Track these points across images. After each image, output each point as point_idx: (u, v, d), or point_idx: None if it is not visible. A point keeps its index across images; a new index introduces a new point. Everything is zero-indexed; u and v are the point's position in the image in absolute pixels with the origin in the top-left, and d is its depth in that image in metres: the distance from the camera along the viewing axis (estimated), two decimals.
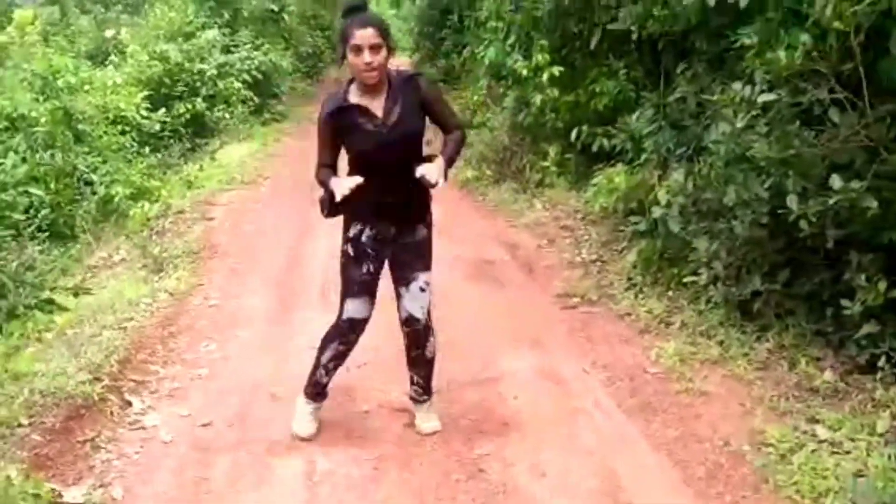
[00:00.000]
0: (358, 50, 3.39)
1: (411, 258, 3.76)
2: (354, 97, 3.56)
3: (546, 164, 8.20)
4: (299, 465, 3.69)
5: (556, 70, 7.73)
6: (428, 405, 4.01)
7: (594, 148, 7.31)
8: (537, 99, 7.95)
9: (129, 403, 4.37)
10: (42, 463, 3.67)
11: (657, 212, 5.23)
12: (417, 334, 3.86)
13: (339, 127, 3.57)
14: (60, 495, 3.42)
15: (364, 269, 3.70)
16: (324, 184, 3.63)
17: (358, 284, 3.73)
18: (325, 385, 3.96)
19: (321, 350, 3.89)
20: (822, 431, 3.61)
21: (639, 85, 7.14)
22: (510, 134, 9.29)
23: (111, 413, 4.24)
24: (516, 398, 4.19)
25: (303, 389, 3.99)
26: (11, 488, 3.17)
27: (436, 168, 3.44)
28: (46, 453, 3.76)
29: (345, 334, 3.81)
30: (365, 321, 3.79)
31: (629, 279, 5.55)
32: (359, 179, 3.46)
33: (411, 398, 4.03)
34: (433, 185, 3.43)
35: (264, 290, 6.28)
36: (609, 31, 6.97)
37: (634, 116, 6.35)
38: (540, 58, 7.82)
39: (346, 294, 3.77)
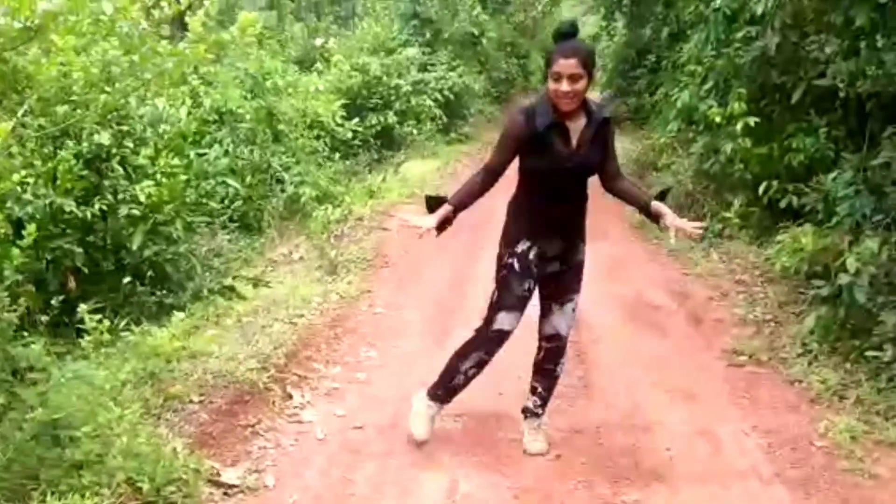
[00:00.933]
0: (558, 77, 3.45)
1: (570, 279, 3.88)
2: (556, 116, 3.58)
3: (728, 215, 7.93)
4: (442, 483, 3.73)
5: (752, 120, 7.49)
6: (539, 423, 4.08)
7: (782, 204, 7.03)
8: (728, 148, 7.72)
9: (290, 396, 4.57)
10: (206, 441, 3.90)
11: (844, 279, 4.95)
12: (558, 350, 3.98)
13: (536, 141, 3.58)
14: (218, 474, 3.62)
15: (525, 286, 3.80)
16: (457, 194, 3.76)
17: (516, 299, 3.81)
18: (455, 393, 4.04)
19: (462, 357, 3.96)
20: None
21: (839, 145, 6.81)
22: (694, 180, 9.05)
23: (273, 403, 4.44)
24: (669, 450, 4.06)
25: (427, 390, 4.08)
26: (176, 460, 3.37)
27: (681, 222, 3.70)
28: (211, 432, 3.99)
29: (491, 345, 3.89)
30: (510, 333, 3.87)
31: (804, 345, 5.25)
32: (430, 227, 3.73)
33: (526, 410, 4.09)
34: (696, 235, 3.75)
35: (427, 305, 6.41)
36: (814, 86, 6.70)
37: (831, 177, 6.04)
38: (736, 106, 7.60)
39: (500, 306, 3.83)
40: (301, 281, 6.73)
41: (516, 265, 3.78)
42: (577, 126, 3.61)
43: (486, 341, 3.89)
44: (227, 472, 3.66)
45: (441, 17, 16.92)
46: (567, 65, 3.43)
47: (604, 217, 9.35)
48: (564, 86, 3.44)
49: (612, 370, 5.12)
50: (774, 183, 7.15)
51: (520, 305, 3.83)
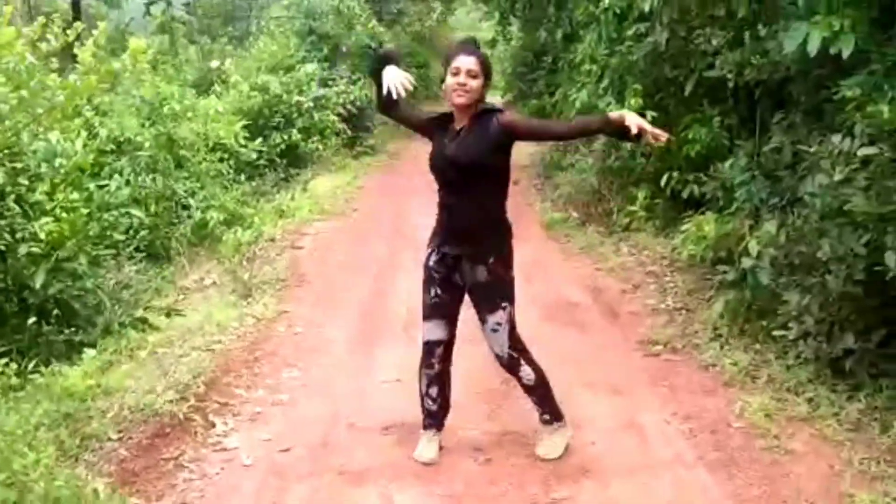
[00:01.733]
0: (457, 72, 3.64)
1: (478, 298, 3.86)
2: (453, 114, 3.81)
3: (634, 208, 8.14)
4: (374, 498, 3.72)
5: (649, 115, 7.66)
6: (553, 429, 4.07)
7: (684, 194, 7.24)
8: (627, 143, 7.90)
9: (213, 424, 4.48)
10: (128, 478, 3.80)
11: (747, 262, 5.13)
12: (508, 369, 4.01)
13: (433, 126, 3.87)
14: None
15: (432, 293, 3.89)
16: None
17: (430, 308, 3.92)
18: (437, 413, 4.08)
19: (419, 379, 4.07)
20: None
21: (732, 133, 7.05)
22: (599, 177, 9.25)
23: (195, 433, 4.35)
24: (594, 444, 4.13)
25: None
26: (97, 502, 3.27)
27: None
28: (132, 468, 3.90)
29: (426, 357, 3.98)
30: (440, 343, 3.93)
31: (715, 329, 5.43)
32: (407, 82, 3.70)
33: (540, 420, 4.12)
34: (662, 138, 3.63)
35: (347, 320, 6.37)
36: (705, 77, 6.91)
37: (727, 164, 6.26)
38: (633, 101, 7.78)
39: (423, 317, 3.98)
40: (215, 307, 6.60)
41: (424, 274, 3.92)
42: (461, 124, 3.76)
43: (423, 355, 4.00)
44: None
45: (337, 31, 16.86)
46: (467, 61, 3.65)
47: (516, 220, 9.48)
48: (462, 78, 3.62)
49: None
50: (675, 174, 7.36)
51: (436, 313, 3.91)
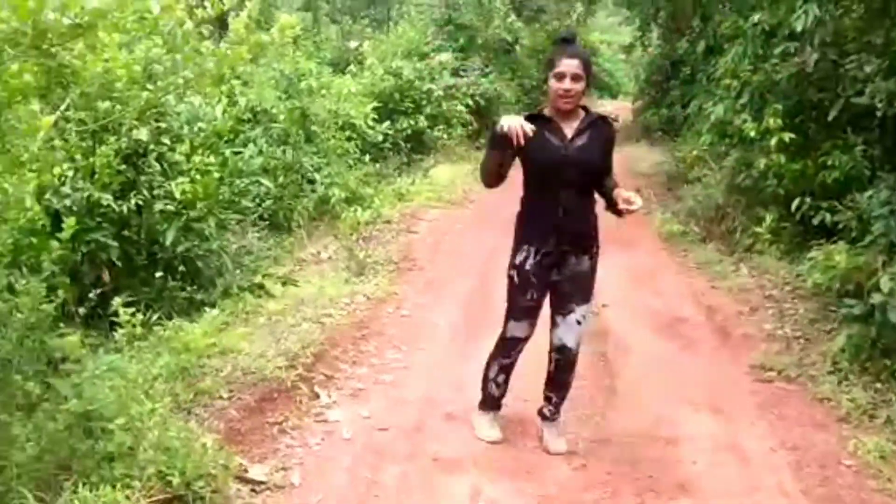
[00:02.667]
0: (561, 77, 3.66)
1: (572, 289, 3.90)
2: (548, 113, 3.79)
3: (760, 230, 7.87)
4: (465, 488, 3.74)
5: (787, 136, 7.44)
6: (558, 425, 4.19)
7: (815, 221, 6.95)
8: (761, 162, 7.67)
9: (317, 395, 4.61)
10: (234, 437, 3.95)
11: (877, 298, 4.90)
12: (567, 363, 4.05)
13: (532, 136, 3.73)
14: (246, 470, 3.65)
15: (528, 296, 3.90)
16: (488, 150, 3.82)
17: (521, 310, 3.94)
18: (499, 398, 4.24)
19: (488, 365, 4.17)
20: None
21: (875, 163, 6.74)
22: (725, 194, 8.99)
23: (300, 401, 4.48)
24: (695, 463, 4.04)
25: (477, 405, 4.29)
26: (205, 456, 3.40)
27: (634, 194, 3.64)
28: (239, 429, 4.04)
29: (507, 350, 4.07)
30: (525, 339, 4.02)
31: (834, 363, 5.20)
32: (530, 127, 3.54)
33: (542, 415, 4.20)
34: (633, 209, 3.62)
35: (454, 309, 6.42)
36: (852, 104, 6.63)
37: (866, 195, 5.98)
38: (771, 121, 7.54)
39: (509, 315, 3.99)
40: (329, 281, 6.77)
41: (515, 278, 3.90)
42: (570, 124, 3.77)
43: (503, 347, 4.08)
44: (254, 469, 3.69)
45: (475, 23, 16.95)
46: (570, 65, 3.65)
47: (631, 228, 9.33)
48: (567, 83, 3.65)
49: (639, 381, 5.10)
50: (808, 199, 7.09)
51: (527, 314, 3.95)
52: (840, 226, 6.41)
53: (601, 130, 3.80)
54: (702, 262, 8.05)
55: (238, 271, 6.32)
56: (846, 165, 6.84)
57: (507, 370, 4.14)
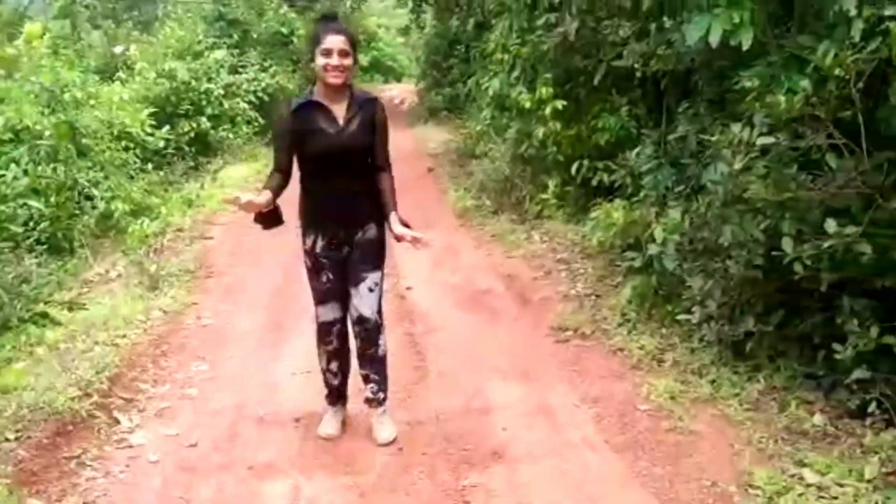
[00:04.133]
0: (328, 53, 3.65)
1: (361, 258, 3.93)
2: (318, 98, 3.77)
3: (546, 196, 8.22)
4: (284, 491, 3.67)
5: (560, 104, 7.78)
6: (383, 410, 4.16)
7: (594, 182, 7.35)
8: (539, 132, 7.99)
9: (117, 421, 4.37)
10: (27, 478, 3.67)
11: (653, 249, 5.23)
12: (368, 333, 4.01)
13: (300, 126, 3.75)
14: None
15: (324, 279, 3.95)
16: (268, 187, 3.79)
17: (321, 292, 3.99)
18: (337, 387, 4.20)
19: (319, 357, 4.16)
20: (810, 475, 3.59)
21: (640, 122, 7.19)
22: (511, 165, 9.31)
23: (98, 430, 4.23)
24: (505, 430, 4.17)
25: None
26: None
27: (411, 230, 3.75)
28: (32, 469, 3.76)
29: (325, 336, 4.07)
30: (336, 322, 4.04)
31: (623, 315, 5.54)
32: (262, 200, 3.65)
33: (367, 400, 4.17)
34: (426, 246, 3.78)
35: (257, 312, 6.27)
36: (613, 67, 7.01)
37: (634, 153, 6.39)
38: (544, 91, 7.87)
39: (315, 301, 4.04)
40: (121, 300, 6.41)
41: (308, 262, 3.97)
42: (340, 107, 3.77)
43: (320, 334, 4.08)
44: None
45: (248, 17, 16.55)
46: (336, 40, 3.64)
47: (429, 207, 9.50)
48: (335, 59, 3.64)
49: (447, 357, 5.20)
50: (585, 162, 7.47)
51: (329, 296, 3.99)
52: (616, 184, 6.80)
53: (371, 110, 3.82)
54: (497, 234, 8.31)
55: (16, 302, 5.85)
56: (615, 126, 7.25)
57: (335, 357, 4.11)
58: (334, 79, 3.67)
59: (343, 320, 4.05)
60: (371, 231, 3.92)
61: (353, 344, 4.12)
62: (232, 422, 4.38)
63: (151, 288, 6.76)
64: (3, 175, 7.63)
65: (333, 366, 4.13)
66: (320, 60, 3.66)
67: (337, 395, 4.22)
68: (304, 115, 3.75)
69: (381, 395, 4.14)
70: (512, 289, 6.59)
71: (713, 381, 4.49)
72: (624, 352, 5.05)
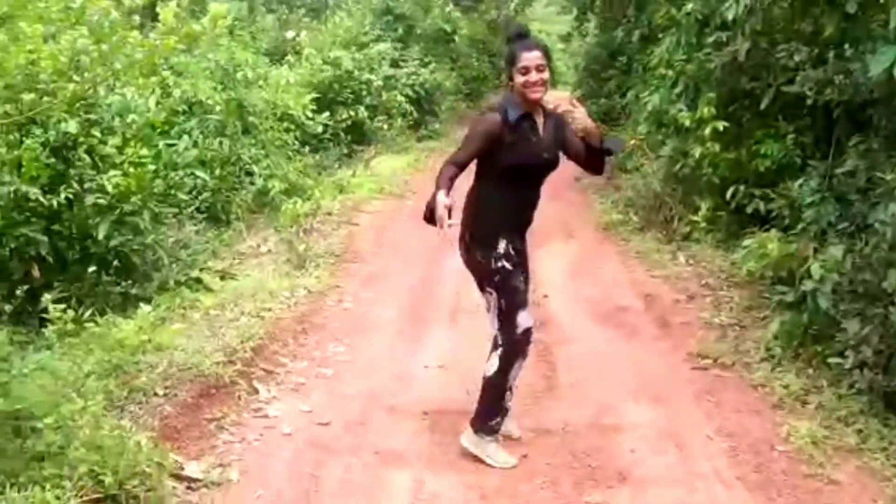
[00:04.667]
0: (526, 70, 3.70)
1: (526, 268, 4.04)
2: (524, 110, 3.80)
3: (696, 218, 8.00)
4: (407, 481, 3.73)
5: (721, 125, 7.55)
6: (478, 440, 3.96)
7: (749, 209, 7.09)
8: (697, 151, 7.78)
9: (256, 390, 4.55)
10: (170, 434, 3.87)
11: (808, 285, 5.01)
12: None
13: (513, 139, 3.75)
14: (182, 468, 3.59)
15: (522, 278, 3.93)
16: (438, 188, 3.69)
17: (522, 293, 3.90)
18: (508, 411, 4.02)
19: (505, 373, 3.86)
20: None
21: (806, 151, 6.88)
22: (663, 183, 9.11)
23: (238, 397, 4.42)
24: (633, 451, 4.08)
25: (475, 429, 3.93)
26: (139, 454, 3.33)
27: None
28: (175, 426, 3.96)
29: (524, 346, 3.88)
30: (533, 330, 3.94)
31: (768, 350, 5.31)
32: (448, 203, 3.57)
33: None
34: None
35: (396, 301, 6.40)
36: (783, 92, 6.75)
37: (797, 183, 6.12)
38: (705, 110, 7.66)
39: (516, 307, 3.84)
40: (269, 274, 6.69)
41: (507, 264, 3.85)
42: (540, 119, 3.86)
43: (521, 345, 3.87)
44: (190, 466, 3.64)
45: (414, 13, 16.90)
46: (532, 57, 3.70)
47: (572, 217, 9.43)
48: (534, 76, 3.69)
49: (579, 370, 5.14)
50: (742, 188, 7.22)
51: (527, 298, 3.95)
52: (773, 213, 6.55)
53: (558, 123, 3.89)
54: (641, 251, 8.15)
55: (174, 265, 6.21)
56: (778, 154, 6.96)
57: (519, 372, 3.97)
58: (535, 94, 3.73)
59: None
60: (527, 241, 4.05)
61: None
62: (363, 406, 4.48)
63: (298, 266, 7.01)
64: (176, 145, 8.08)
65: (515, 385, 3.97)
66: (519, 78, 3.72)
67: (502, 420, 3.98)
68: (518, 126, 3.77)
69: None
70: (652, 309, 6.45)
71: (860, 431, 4.24)
72: (765, 388, 4.84)
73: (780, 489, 3.77)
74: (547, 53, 3.77)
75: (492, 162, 3.80)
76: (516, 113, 3.76)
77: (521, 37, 3.84)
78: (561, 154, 3.92)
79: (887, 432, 4.19)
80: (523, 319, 3.84)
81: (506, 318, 3.84)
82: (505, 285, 3.84)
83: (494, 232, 3.88)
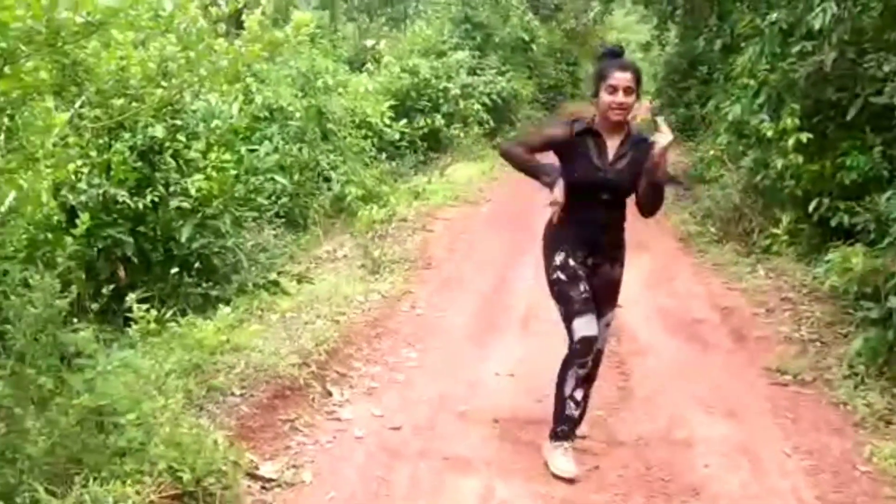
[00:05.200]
0: (614, 90, 3.64)
1: (604, 295, 3.90)
2: (597, 127, 3.77)
3: (777, 231, 7.82)
4: (477, 488, 3.72)
5: (805, 136, 7.37)
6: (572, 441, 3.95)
7: (832, 223, 6.91)
8: (779, 163, 7.62)
9: (330, 393, 4.61)
10: (246, 434, 3.94)
11: (894, 301, 4.85)
12: (596, 363, 3.98)
13: (571, 144, 3.77)
14: (257, 467, 3.66)
15: (582, 288, 3.79)
16: (528, 162, 3.90)
17: (579, 302, 3.78)
18: (577, 421, 3.94)
19: (561, 383, 3.84)
20: None
21: (894, 164, 6.68)
22: (742, 194, 8.93)
23: (312, 399, 4.49)
24: (707, 467, 4.01)
25: (549, 435, 3.91)
26: (216, 452, 3.40)
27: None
28: (251, 425, 4.04)
29: (581, 356, 3.77)
30: (596, 339, 3.79)
31: (851, 367, 5.15)
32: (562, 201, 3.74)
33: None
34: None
35: (469, 308, 6.41)
36: (871, 103, 6.57)
37: (885, 197, 5.93)
38: (789, 121, 7.48)
39: (571, 315, 3.78)
40: (344, 279, 6.78)
41: (562, 275, 3.82)
42: (614, 142, 3.76)
43: (575, 355, 3.79)
44: (265, 466, 3.70)
45: (492, 21, 16.94)
46: (623, 78, 3.63)
47: (648, 228, 9.29)
48: (620, 97, 3.63)
49: (653, 382, 5.08)
50: (826, 200, 7.04)
51: (589, 308, 3.79)
52: (858, 227, 6.36)
53: (642, 153, 3.71)
54: (718, 263, 8.01)
55: (253, 268, 6.33)
56: (865, 166, 6.78)
57: (584, 383, 3.86)
58: (616, 116, 3.67)
59: (598, 342, 3.85)
60: (617, 270, 3.94)
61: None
62: (433, 412, 4.50)
63: (373, 271, 7.09)
64: (257, 150, 8.27)
65: (579, 393, 3.84)
66: (605, 97, 3.66)
67: (571, 429, 3.90)
68: (580, 138, 3.75)
69: (580, 421, 4.02)
70: (728, 322, 6.32)
71: None
72: (847, 406, 4.70)
73: None
74: (638, 77, 3.70)
75: (564, 174, 3.79)
76: (580, 126, 3.76)
77: (616, 55, 3.82)
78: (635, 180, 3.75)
79: None
80: (578, 328, 3.76)
81: (566, 326, 3.83)
82: (560, 295, 3.85)
83: (553, 247, 3.90)
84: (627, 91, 3.63)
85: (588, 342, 3.76)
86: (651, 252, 8.18)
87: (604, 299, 3.91)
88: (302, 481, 3.66)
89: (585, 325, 3.76)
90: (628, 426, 4.45)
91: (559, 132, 3.86)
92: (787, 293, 6.83)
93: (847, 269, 5.61)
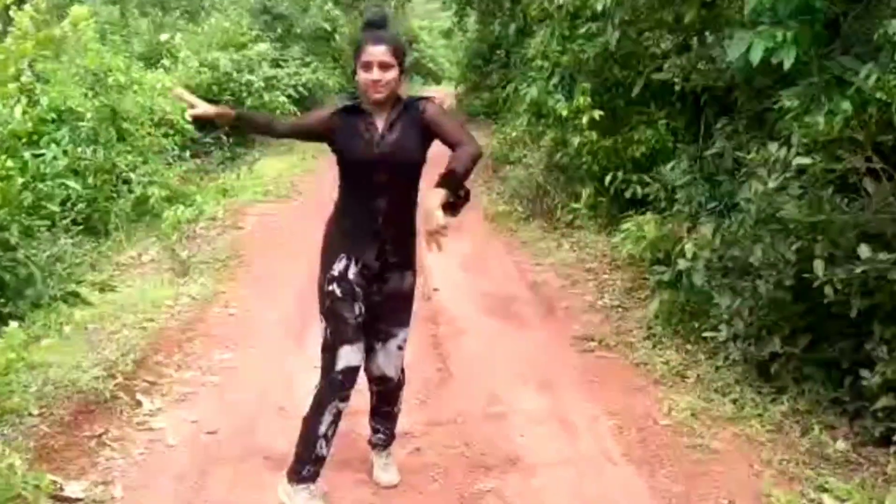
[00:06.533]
0: (368, 66, 3.18)
1: (392, 310, 3.44)
2: (364, 105, 3.30)
3: (578, 205, 8.20)
4: None
5: (597, 114, 7.74)
6: (388, 453, 3.77)
7: (627, 194, 7.32)
8: (575, 141, 7.97)
9: (140, 403, 4.42)
10: (47, 455, 3.73)
11: (682, 264, 5.19)
12: (390, 393, 3.63)
13: (340, 125, 3.31)
14: (62, 488, 3.46)
15: (357, 311, 3.30)
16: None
17: (352, 327, 3.28)
18: (323, 459, 3.39)
19: (316, 417, 3.31)
20: (829, 501, 3.54)
21: (677, 136, 7.15)
22: (545, 173, 9.30)
23: (121, 412, 4.30)
24: (522, 437, 4.16)
25: (287, 476, 3.40)
26: (14, 477, 3.20)
27: (436, 201, 2.90)
28: (52, 445, 3.82)
29: (341, 389, 3.29)
30: (358, 369, 3.35)
31: (649, 328, 5.51)
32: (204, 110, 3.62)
33: (372, 444, 3.77)
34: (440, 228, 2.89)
35: (283, 303, 6.32)
36: (653, 80, 6.98)
37: (669, 166, 6.36)
38: (581, 100, 7.84)
39: (339, 340, 3.28)
40: (151, 284, 6.52)
41: (338, 290, 3.30)
42: (382, 115, 3.28)
43: (337, 388, 3.28)
44: (70, 486, 3.51)
45: (292, 12, 16.71)
46: (376, 52, 3.16)
47: (462, 212, 9.49)
48: (375, 74, 3.17)
49: (470, 361, 5.20)
50: (619, 174, 7.45)
51: (358, 334, 3.31)
52: (649, 197, 6.77)
53: (414, 116, 3.25)
54: (527, 241, 8.31)
55: (49, 280, 5.93)
56: (651, 139, 7.22)
57: (337, 420, 3.34)
58: (376, 94, 3.19)
59: (359, 372, 3.38)
60: (408, 279, 3.43)
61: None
62: (252, 412, 4.41)
63: (182, 274, 6.85)
64: (44, 154, 7.76)
65: (332, 431, 3.33)
66: (361, 75, 3.20)
67: (317, 470, 3.39)
68: (345, 116, 3.30)
69: (388, 442, 3.76)
70: (539, 297, 6.58)
71: (736, 401, 4.44)
72: (647, 366, 5.01)
73: (663, 462, 3.91)
74: (397, 50, 3.20)
75: (338, 161, 3.37)
76: (349, 103, 3.32)
77: (373, 25, 3.28)
78: (420, 155, 3.29)
79: (761, 400, 4.41)
80: (345, 356, 3.26)
81: (328, 352, 3.30)
82: (331, 313, 3.32)
83: (332, 252, 3.39)
84: (383, 66, 3.16)
85: (352, 373, 3.30)
86: (465, 233, 8.36)
87: (394, 317, 3.45)
88: (112, 497, 3.50)
89: (353, 354, 3.28)
90: (447, 406, 4.54)
91: (324, 111, 3.43)
92: (590, 264, 7.19)
93: (641, 237, 5.96)
